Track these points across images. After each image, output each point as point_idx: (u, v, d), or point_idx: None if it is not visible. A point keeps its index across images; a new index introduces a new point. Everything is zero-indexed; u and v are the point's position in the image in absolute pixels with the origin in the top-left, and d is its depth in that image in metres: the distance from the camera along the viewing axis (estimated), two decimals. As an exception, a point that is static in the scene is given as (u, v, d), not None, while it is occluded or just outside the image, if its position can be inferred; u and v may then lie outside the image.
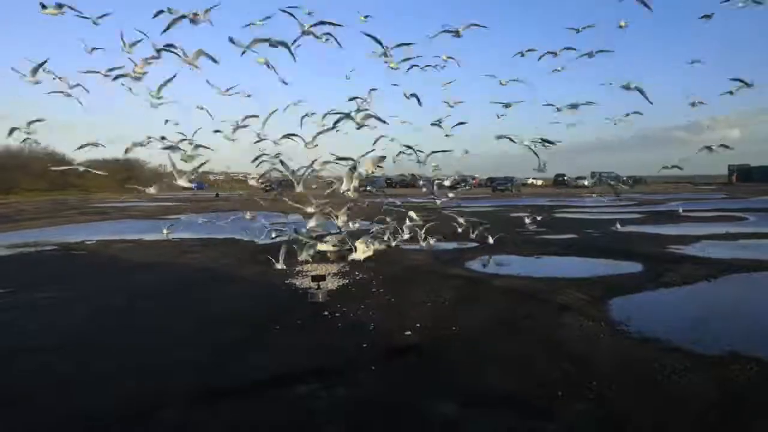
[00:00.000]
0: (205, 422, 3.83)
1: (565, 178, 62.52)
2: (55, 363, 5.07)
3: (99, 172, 10.91)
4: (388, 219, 11.46)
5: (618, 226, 14.98)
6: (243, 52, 7.98)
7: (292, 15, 7.99)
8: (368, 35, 8.63)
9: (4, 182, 42.87)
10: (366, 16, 8.96)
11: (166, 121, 10.60)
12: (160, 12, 7.47)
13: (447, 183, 12.01)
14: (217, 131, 10.48)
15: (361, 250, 9.71)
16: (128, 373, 4.79)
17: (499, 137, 9.70)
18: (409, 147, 10.48)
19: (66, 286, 8.81)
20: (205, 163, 9.33)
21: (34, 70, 7.81)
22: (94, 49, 8.74)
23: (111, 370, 4.88)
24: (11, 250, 13.52)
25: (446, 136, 10.79)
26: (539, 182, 65.37)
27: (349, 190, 8.79)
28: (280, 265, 9.12)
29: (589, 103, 9.07)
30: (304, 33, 8.03)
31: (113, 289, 8.50)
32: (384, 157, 9.29)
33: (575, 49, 8.98)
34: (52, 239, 15.53)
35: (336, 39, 8.42)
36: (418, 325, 6.05)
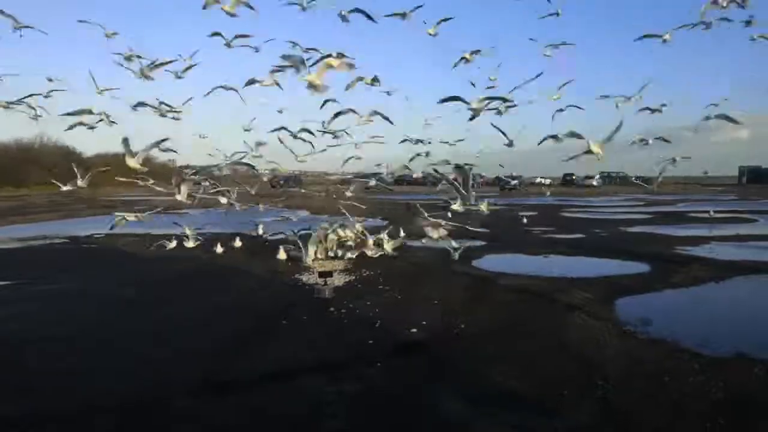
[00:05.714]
0: (210, 416, 3.85)
1: (574, 177, 62.07)
2: (64, 355, 5.11)
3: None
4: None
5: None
6: None
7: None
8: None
9: (14, 175, 43.26)
10: None
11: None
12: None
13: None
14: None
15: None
16: (135, 365, 4.83)
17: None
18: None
19: (74, 278, 8.90)
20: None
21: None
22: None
23: (119, 362, 4.93)
24: (21, 243, 13.66)
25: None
26: (547, 181, 64.89)
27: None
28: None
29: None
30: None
31: (121, 282, 8.55)
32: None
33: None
34: (62, 232, 15.66)
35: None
36: (423, 322, 6.05)
